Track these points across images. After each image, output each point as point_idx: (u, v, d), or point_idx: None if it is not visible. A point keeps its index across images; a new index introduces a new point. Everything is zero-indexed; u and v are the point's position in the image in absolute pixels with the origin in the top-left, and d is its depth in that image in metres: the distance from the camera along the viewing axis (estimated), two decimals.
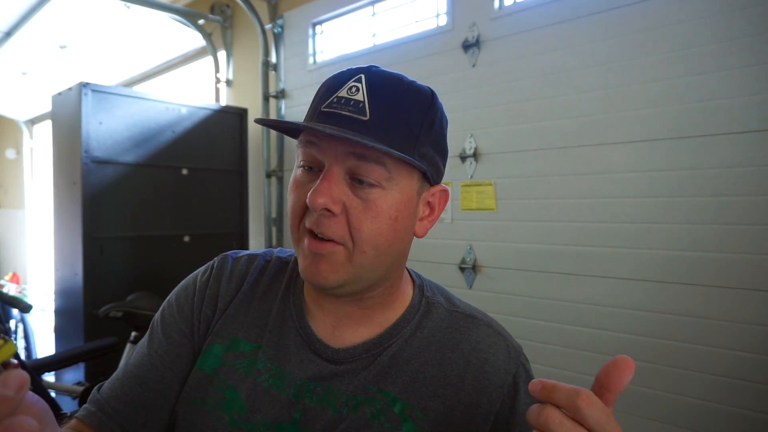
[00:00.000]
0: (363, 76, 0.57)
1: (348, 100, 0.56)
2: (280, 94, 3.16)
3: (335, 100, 0.57)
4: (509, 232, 2.12)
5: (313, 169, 0.58)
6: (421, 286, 0.70)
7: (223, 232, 3.07)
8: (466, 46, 2.26)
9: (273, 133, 3.19)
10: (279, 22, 3.15)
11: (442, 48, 2.35)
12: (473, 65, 2.24)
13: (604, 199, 1.87)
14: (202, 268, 0.73)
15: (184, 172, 2.89)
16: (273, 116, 3.18)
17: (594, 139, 1.89)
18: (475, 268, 2.22)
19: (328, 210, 0.55)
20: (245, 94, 3.44)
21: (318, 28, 3.03)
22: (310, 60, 3.02)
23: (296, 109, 3.11)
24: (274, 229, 3.19)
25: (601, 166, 1.88)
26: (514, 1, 2.15)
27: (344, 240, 0.56)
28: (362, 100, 0.56)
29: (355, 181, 0.56)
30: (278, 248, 0.77)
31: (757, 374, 1.56)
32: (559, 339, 1.97)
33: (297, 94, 3.10)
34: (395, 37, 2.59)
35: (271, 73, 3.17)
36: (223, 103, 3.53)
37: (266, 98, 3.13)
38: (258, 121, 0.60)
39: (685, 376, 1.69)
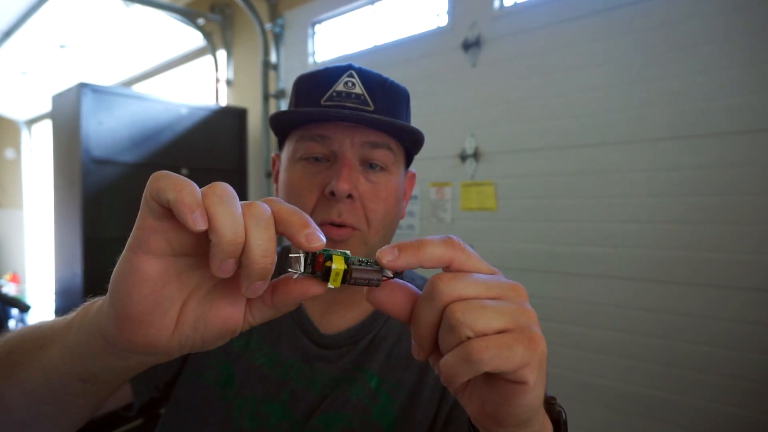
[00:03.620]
0: (354, 72, 0.62)
1: (348, 93, 0.60)
2: (280, 94, 3.16)
3: (334, 94, 0.60)
4: (509, 232, 2.12)
5: (320, 160, 0.61)
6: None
7: None
8: (466, 46, 2.26)
9: (273, 133, 3.19)
10: (279, 21, 3.14)
11: (442, 48, 2.35)
12: (473, 65, 2.24)
13: (604, 199, 1.87)
14: None
15: (184, 172, 2.88)
16: None
17: (594, 139, 1.89)
18: None
19: (350, 196, 0.59)
20: (245, 93, 3.44)
21: (318, 27, 3.03)
22: (310, 60, 3.02)
23: None
24: None
25: (601, 166, 1.88)
26: (514, 1, 2.15)
27: (360, 224, 0.61)
28: (361, 93, 0.61)
29: (366, 166, 0.62)
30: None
31: (756, 374, 1.56)
32: (558, 339, 1.97)
33: None
34: (395, 37, 2.58)
35: (271, 73, 3.17)
36: (223, 103, 3.53)
37: (266, 98, 3.13)
38: (274, 117, 0.64)
39: (686, 376, 1.69)
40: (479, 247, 2.22)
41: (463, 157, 2.26)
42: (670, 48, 1.72)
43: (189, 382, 0.67)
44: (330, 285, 0.33)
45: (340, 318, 0.68)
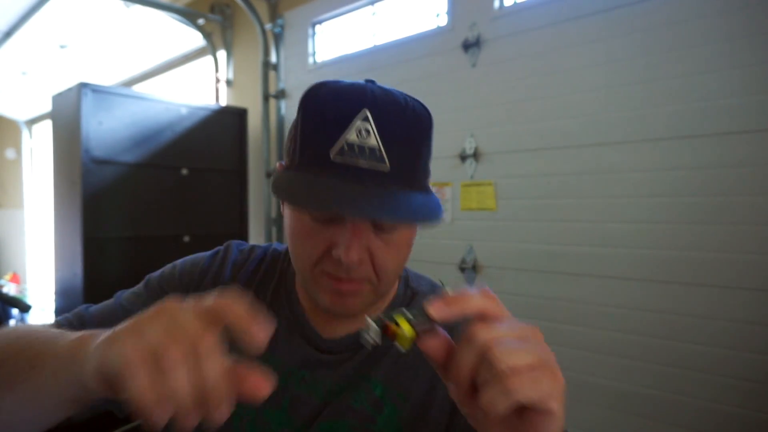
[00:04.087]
0: (368, 114, 0.53)
1: (361, 147, 0.52)
2: (280, 94, 3.16)
3: (346, 147, 0.52)
4: (509, 232, 2.12)
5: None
6: (405, 277, 0.72)
7: (223, 232, 3.06)
8: (466, 46, 2.25)
9: (273, 133, 3.19)
10: (279, 21, 3.15)
11: (442, 48, 2.35)
12: (473, 65, 2.24)
13: (604, 199, 1.87)
14: (208, 254, 0.74)
15: (184, 172, 2.88)
16: (273, 116, 3.18)
17: (594, 139, 1.89)
18: (475, 268, 2.22)
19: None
20: (245, 94, 3.44)
21: (318, 27, 3.03)
22: (310, 60, 3.02)
23: (296, 109, 3.10)
24: (274, 229, 3.19)
25: (601, 166, 1.88)
26: (514, 1, 2.15)
27: (370, 278, 0.58)
28: (376, 145, 0.53)
29: (376, 226, 0.56)
30: (276, 242, 0.79)
31: (757, 374, 1.56)
32: (559, 339, 1.97)
33: (297, 94, 3.09)
34: (395, 37, 2.58)
35: (271, 73, 3.17)
36: (223, 103, 3.53)
37: (266, 98, 3.13)
38: (278, 194, 0.56)
39: (685, 376, 1.69)
40: (479, 248, 2.22)
41: (463, 157, 2.26)
42: (670, 48, 1.72)
43: None
44: (403, 350, 0.40)
45: (341, 325, 0.66)
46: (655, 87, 1.75)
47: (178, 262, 0.74)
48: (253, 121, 3.21)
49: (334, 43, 2.95)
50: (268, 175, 3.16)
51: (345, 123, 0.53)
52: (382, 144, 0.53)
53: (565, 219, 1.97)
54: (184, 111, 2.87)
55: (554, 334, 1.98)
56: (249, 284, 0.70)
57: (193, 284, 0.70)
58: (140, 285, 0.72)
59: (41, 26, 3.77)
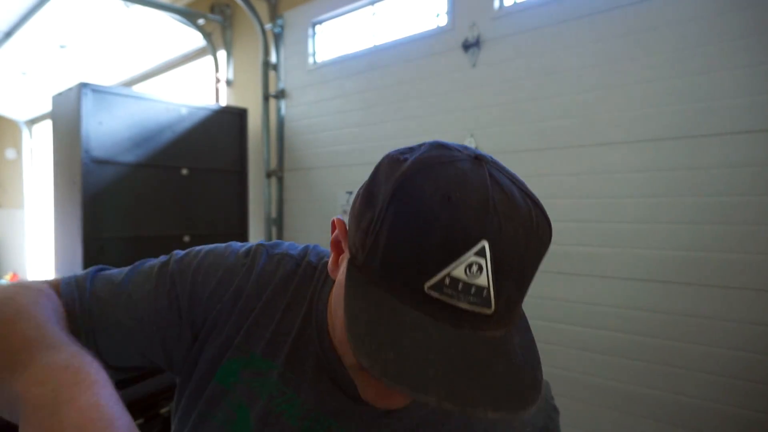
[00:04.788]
0: (487, 247, 0.40)
1: (467, 286, 0.41)
2: (280, 94, 3.16)
3: (447, 282, 0.41)
4: None
5: None
6: None
7: (223, 232, 3.06)
8: (466, 46, 2.26)
9: (273, 133, 3.19)
10: (279, 21, 3.15)
11: (442, 48, 2.35)
12: (473, 65, 2.24)
13: (604, 199, 1.87)
14: (241, 252, 0.64)
15: (184, 172, 2.88)
16: (273, 116, 3.18)
17: (594, 139, 1.89)
18: None
19: None
20: (245, 94, 3.44)
21: (318, 27, 3.03)
22: (310, 60, 3.02)
23: (296, 109, 3.11)
24: (274, 229, 3.19)
25: (601, 166, 1.88)
26: (514, 1, 2.15)
27: None
28: (486, 285, 0.41)
29: None
30: (313, 245, 0.66)
31: (757, 374, 1.56)
32: (559, 339, 1.97)
33: (297, 94, 3.10)
34: (395, 37, 2.59)
35: (271, 73, 3.17)
36: (223, 103, 3.54)
37: (266, 98, 3.13)
38: (377, 373, 0.41)
39: (685, 376, 1.69)
40: None
41: None
42: (669, 48, 1.72)
43: (202, 418, 0.59)
44: None
45: None
46: (655, 87, 1.75)
47: (201, 254, 0.62)
48: (253, 121, 3.21)
49: (334, 43, 2.95)
50: (269, 175, 3.16)
51: (454, 255, 0.40)
52: (493, 284, 0.41)
53: (565, 219, 1.97)
54: (184, 111, 2.88)
55: (554, 334, 1.98)
56: (274, 305, 0.60)
57: (211, 293, 0.60)
58: (155, 269, 0.61)
59: (41, 26, 3.77)
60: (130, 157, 2.65)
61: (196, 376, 0.60)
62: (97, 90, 2.52)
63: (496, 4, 2.18)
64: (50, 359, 0.43)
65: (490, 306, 0.42)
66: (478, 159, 0.45)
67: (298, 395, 0.57)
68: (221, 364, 0.59)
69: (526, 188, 0.46)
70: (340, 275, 0.50)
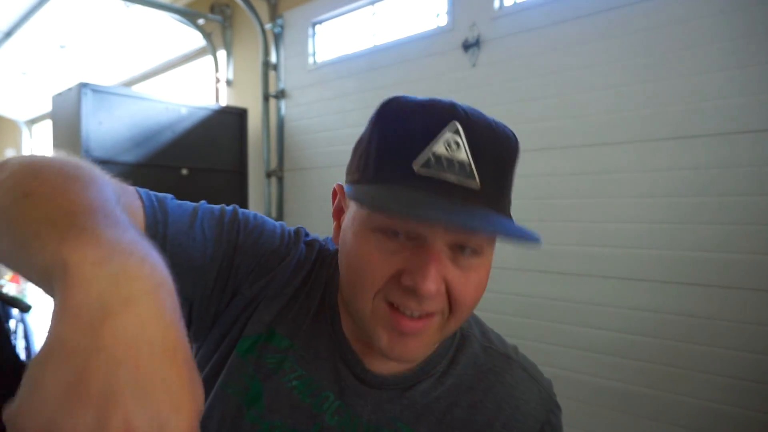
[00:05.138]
0: (459, 126, 0.47)
1: (450, 160, 0.47)
2: (280, 94, 3.16)
3: (432, 159, 0.47)
4: None
5: (399, 236, 0.49)
6: None
7: None
8: (466, 46, 2.25)
9: (273, 133, 3.19)
10: (279, 21, 3.15)
11: (442, 48, 2.35)
12: (473, 65, 2.24)
13: (604, 199, 1.87)
14: (292, 231, 0.65)
15: (184, 172, 2.88)
16: (273, 116, 3.18)
17: (594, 139, 1.89)
18: None
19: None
20: (245, 93, 3.44)
21: (318, 27, 3.03)
22: (310, 60, 3.02)
23: (296, 109, 3.10)
24: None
25: (601, 166, 1.88)
26: (514, 1, 2.15)
27: (443, 310, 0.51)
28: (467, 160, 0.47)
29: (456, 249, 0.49)
30: (329, 236, 0.69)
31: (757, 374, 1.56)
32: (559, 339, 1.97)
33: (297, 93, 3.10)
34: (395, 37, 2.58)
35: (271, 73, 3.17)
36: (223, 103, 3.53)
37: (266, 98, 3.13)
38: (359, 200, 0.50)
39: (686, 376, 1.69)
40: None
41: None
42: (670, 49, 1.72)
43: (216, 390, 0.60)
44: None
45: (381, 363, 0.59)
46: (655, 87, 1.75)
47: (259, 220, 0.63)
48: (253, 121, 3.21)
49: (334, 43, 2.95)
50: (269, 175, 3.16)
51: (432, 134, 0.47)
52: (473, 158, 0.47)
53: (565, 219, 1.96)
54: (184, 111, 2.88)
55: (554, 334, 1.98)
56: (300, 290, 0.62)
57: (263, 263, 0.60)
58: (227, 212, 0.62)
59: (41, 26, 3.77)
60: (130, 157, 2.65)
61: (223, 347, 0.61)
62: (97, 90, 2.52)
63: (496, 4, 2.18)
64: (114, 234, 0.33)
65: (475, 179, 0.47)
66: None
67: (310, 373, 0.59)
68: (243, 335, 0.60)
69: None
70: (345, 222, 0.55)
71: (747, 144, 1.58)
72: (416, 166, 0.47)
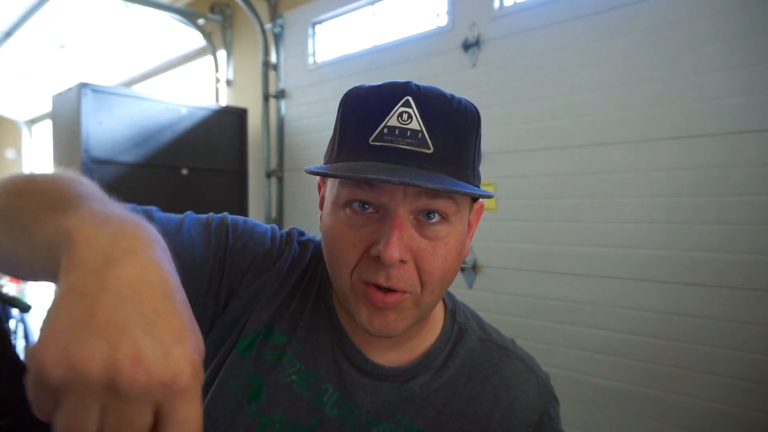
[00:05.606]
0: (411, 100, 0.50)
1: (403, 130, 0.49)
2: (280, 94, 3.16)
3: (385, 130, 0.49)
4: (509, 232, 2.12)
5: (367, 208, 0.51)
6: (453, 310, 0.66)
7: None
8: (466, 46, 2.25)
9: (273, 133, 3.19)
10: (279, 21, 3.15)
11: (442, 48, 2.35)
12: (473, 65, 2.24)
13: (605, 199, 1.87)
14: (284, 233, 0.67)
15: (184, 172, 2.88)
16: (273, 116, 3.18)
17: (595, 139, 1.89)
18: (475, 268, 2.22)
19: (401, 260, 0.50)
20: (245, 94, 3.44)
21: (318, 28, 3.03)
22: (310, 60, 3.02)
23: (296, 109, 3.10)
24: None
25: (601, 166, 1.88)
26: (514, 1, 2.15)
27: (413, 287, 0.52)
28: (419, 129, 0.49)
29: (422, 217, 0.51)
30: None
31: (757, 374, 1.56)
32: (559, 339, 1.97)
33: (297, 93, 3.10)
34: (395, 37, 2.58)
35: (271, 73, 3.17)
36: (223, 103, 3.53)
37: (266, 98, 3.13)
38: (310, 171, 0.52)
39: (686, 376, 1.69)
40: (479, 248, 2.22)
41: None
42: (670, 48, 1.72)
43: (219, 387, 0.61)
44: None
45: (381, 356, 0.61)
46: (655, 87, 1.75)
47: (249, 225, 0.65)
48: (253, 121, 3.21)
49: (334, 43, 2.95)
50: (269, 175, 3.16)
51: (386, 110, 0.50)
52: (425, 127, 0.50)
53: (565, 219, 1.96)
54: (184, 111, 2.88)
55: (554, 334, 1.98)
56: (297, 288, 0.64)
57: (259, 262, 0.62)
58: (211, 219, 0.63)
59: (41, 26, 3.77)
60: (130, 157, 2.65)
61: (223, 348, 0.62)
62: (97, 90, 2.52)
63: (496, 4, 2.18)
64: (109, 209, 0.38)
65: (428, 146, 0.50)
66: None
67: (309, 367, 0.60)
68: (242, 335, 0.62)
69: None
70: (323, 209, 0.58)
71: (748, 144, 1.58)
72: (371, 139, 0.50)
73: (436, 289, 0.54)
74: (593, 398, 1.88)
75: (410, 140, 0.49)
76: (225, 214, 0.65)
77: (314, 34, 3.03)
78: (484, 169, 2.23)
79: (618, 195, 1.84)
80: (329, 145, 0.57)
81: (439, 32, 2.38)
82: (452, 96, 0.55)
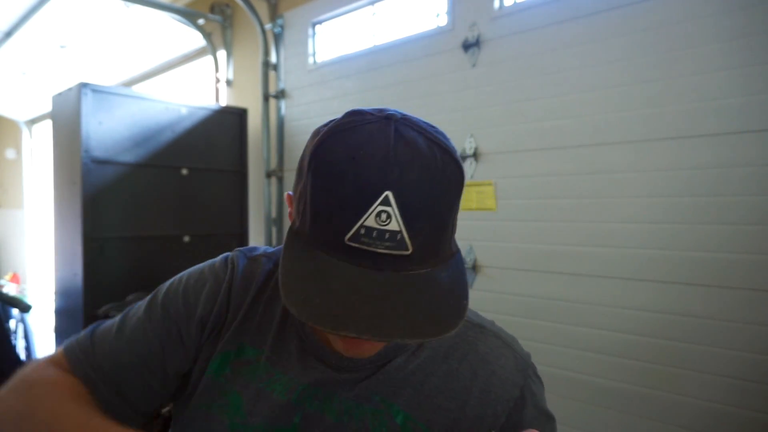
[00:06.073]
0: (390, 196, 0.45)
1: (381, 232, 0.46)
2: (280, 94, 3.16)
3: (362, 231, 0.46)
4: (509, 232, 2.12)
5: None
6: None
7: (223, 232, 3.07)
8: (466, 46, 2.25)
9: (273, 133, 3.19)
10: (279, 21, 3.15)
11: (442, 48, 2.35)
12: (473, 65, 2.24)
13: (604, 199, 1.87)
14: (218, 262, 0.68)
15: (184, 172, 2.88)
16: (273, 116, 3.18)
17: (594, 139, 1.89)
18: (475, 268, 2.22)
19: None
20: (245, 94, 3.44)
21: (318, 28, 3.03)
22: (310, 60, 3.02)
23: (296, 109, 3.10)
24: (274, 230, 3.19)
25: (601, 166, 1.88)
26: (514, 1, 2.15)
27: None
28: (398, 230, 0.46)
29: None
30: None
31: (757, 374, 1.56)
32: (559, 339, 1.97)
33: (297, 94, 3.10)
34: (395, 37, 2.58)
35: (271, 73, 3.17)
36: (223, 103, 3.53)
37: (266, 98, 3.13)
38: (303, 317, 0.47)
39: (686, 377, 1.69)
40: (479, 247, 2.22)
41: (463, 157, 2.26)
42: (669, 48, 1.72)
43: (196, 411, 0.63)
44: None
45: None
46: (655, 87, 1.75)
47: (184, 278, 0.67)
48: (253, 121, 3.21)
49: (334, 43, 2.95)
50: (269, 175, 3.16)
51: (363, 207, 0.46)
52: (405, 228, 0.46)
53: (565, 219, 1.97)
54: (184, 111, 2.88)
55: (554, 334, 1.98)
56: (256, 302, 0.65)
57: (204, 302, 0.64)
58: (142, 307, 0.66)
59: (41, 26, 3.76)
60: (130, 157, 2.65)
61: (193, 377, 0.65)
62: (97, 90, 2.52)
63: (496, 4, 2.18)
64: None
65: (407, 248, 0.47)
66: (388, 118, 0.50)
67: (285, 373, 0.62)
68: (212, 359, 0.64)
69: (437, 137, 0.50)
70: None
71: (747, 144, 1.58)
72: (346, 239, 0.47)
73: None
74: (593, 398, 1.88)
75: (388, 243, 0.46)
76: (158, 290, 0.67)
77: (314, 34, 3.03)
78: (485, 169, 2.23)
79: (618, 195, 1.84)
80: (300, 205, 0.52)
81: (439, 32, 2.38)
82: (436, 162, 0.48)
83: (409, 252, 0.47)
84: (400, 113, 0.52)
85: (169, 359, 0.63)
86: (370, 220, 0.46)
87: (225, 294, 0.65)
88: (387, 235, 0.46)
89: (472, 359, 0.63)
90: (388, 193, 0.46)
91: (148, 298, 0.67)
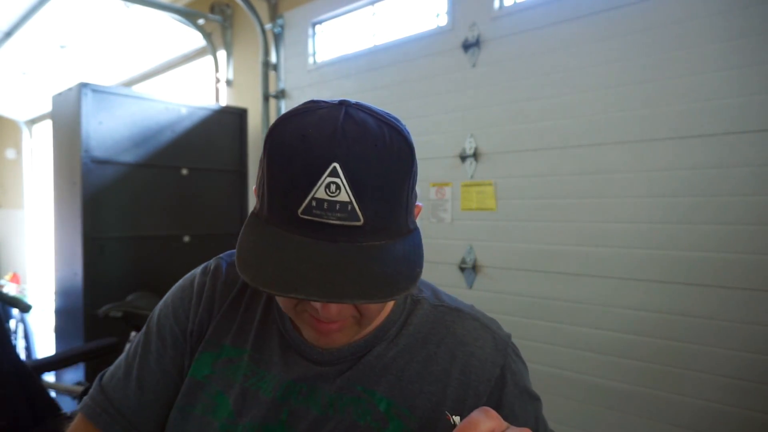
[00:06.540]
0: (338, 167, 0.47)
1: (332, 203, 0.47)
2: (280, 94, 3.16)
3: (314, 203, 0.48)
4: (509, 232, 2.12)
5: None
6: None
7: (223, 232, 3.07)
8: (466, 46, 2.26)
9: None
10: (279, 21, 3.15)
11: (442, 48, 2.35)
12: (473, 65, 2.24)
13: (604, 199, 1.87)
14: (199, 271, 0.72)
15: (184, 172, 2.88)
16: (273, 116, 3.18)
17: (594, 139, 1.89)
18: (475, 268, 2.22)
19: None
20: (245, 94, 3.44)
21: (318, 28, 3.03)
22: (310, 60, 3.02)
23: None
24: None
25: (601, 166, 1.88)
26: (514, 1, 2.15)
27: (355, 315, 0.57)
28: (348, 200, 0.47)
29: None
30: None
31: (755, 374, 1.56)
32: (559, 339, 1.97)
33: (297, 94, 3.10)
34: (395, 37, 2.59)
35: (271, 73, 3.17)
36: (223, 103, 3.53)
37: (266, 98, 3.13)
38: (255, 284, 0.49)
39: (686, 377, 1.69)
40: (479, 247, 2.22)
41: (463, 157, 2.26)
42: (670, 48, 1.72)
43: (182, 413, 0.64)
44: None
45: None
46: (655, 87, 1.75)
47: (168, 296, 0.71)
48: (253, 121, 3.21)
49: (334, 43, 2.95)
50: None
51: (313, 179, 0.47)
52: (355, 198, 0.48)
53: (565, 219, 1.97)
54: (184, 111, 2.88)
55: (554, 334, 1.98)
56: (236, 303, 0.68)
57: (191, 311, 0.68)
58: (141, 335, 0.70)
59: (41, 26, 3.76)
60: (130, 157, 2.66)
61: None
62: (97, 90, 2.53)
63: (496, 4, 2.18)
64: None
65: (358, 219, 0.48)
66: (341, 103, 0.52)
67: (269, 371, 0.63)
68: (194, 360, 0.66)
69: (387, 118, 0.52)
70: None
71: (746, 144, 1.58)
72: (299, 212, 0.48)
73: (375, 315, 0.59)
74: (592, 398, 1.88)
75: (340, 214, 0.48)
76: (152, 315, 0.71)
77: (314, 34, 3.03)
78: (485, 169, 2.23)
79: (617, 195, 1.84)
80: (259, 188, 0.55)
81: (438, 32, 2.38)
82: (384, 140, 0.50)
83: (361, 223, 0.49)
84: (356, 101, 0.53)
85: (178, 381, 0.67)
86: (320, 192, 0.47)
87: (207, 301, 0.68)
88: (338, 206, 0.48)
89: (449, 342, 0.63)
90: (336, 165, 0.47)
91: (143, 330, 0.71)
